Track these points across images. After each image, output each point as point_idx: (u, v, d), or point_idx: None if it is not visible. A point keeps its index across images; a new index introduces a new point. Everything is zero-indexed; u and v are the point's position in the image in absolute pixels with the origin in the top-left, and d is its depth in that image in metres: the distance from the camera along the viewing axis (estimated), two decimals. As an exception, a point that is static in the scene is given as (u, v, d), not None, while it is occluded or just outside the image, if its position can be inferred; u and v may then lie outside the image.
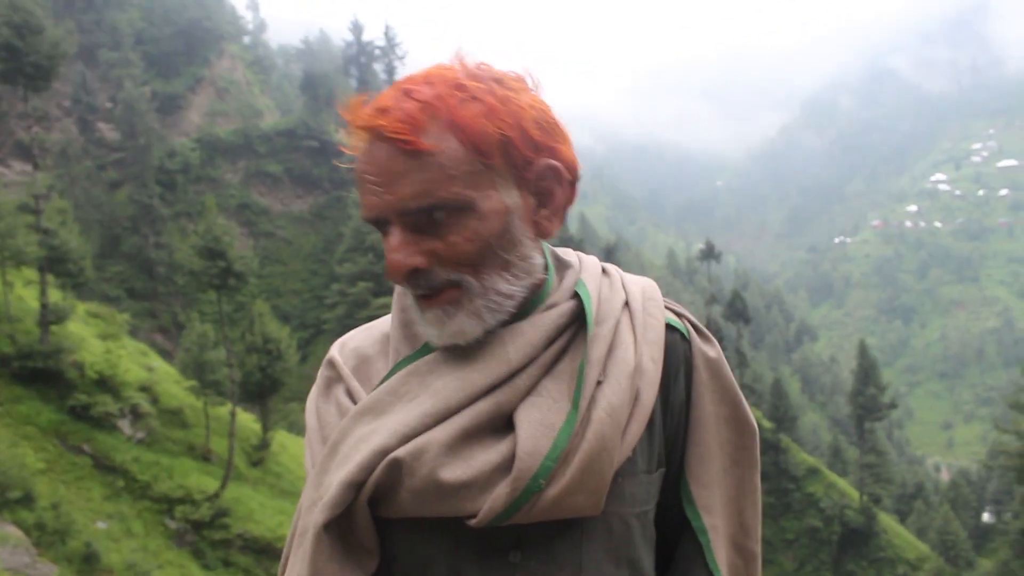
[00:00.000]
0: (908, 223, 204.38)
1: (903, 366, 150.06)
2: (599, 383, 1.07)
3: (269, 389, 29.41)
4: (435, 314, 1.06)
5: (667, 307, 1.21)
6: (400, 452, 1.01)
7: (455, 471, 1.01)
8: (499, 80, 1.06)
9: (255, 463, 28.59)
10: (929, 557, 44.43)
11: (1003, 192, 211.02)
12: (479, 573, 1.05)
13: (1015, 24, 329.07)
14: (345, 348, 1.21)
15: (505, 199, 1.05)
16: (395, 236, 1.03)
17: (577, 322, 1.11)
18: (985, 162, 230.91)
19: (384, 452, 1.01)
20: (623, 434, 1.06)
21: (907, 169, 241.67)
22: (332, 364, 1.19)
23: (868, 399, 49.40)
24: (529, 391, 1.06)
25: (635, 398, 1.09)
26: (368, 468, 1.01)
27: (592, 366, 1.07)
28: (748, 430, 1.20)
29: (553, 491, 1.01)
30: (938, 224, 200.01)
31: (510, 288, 1.06)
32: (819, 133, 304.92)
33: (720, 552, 1.18)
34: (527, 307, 1.10)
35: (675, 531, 1.19)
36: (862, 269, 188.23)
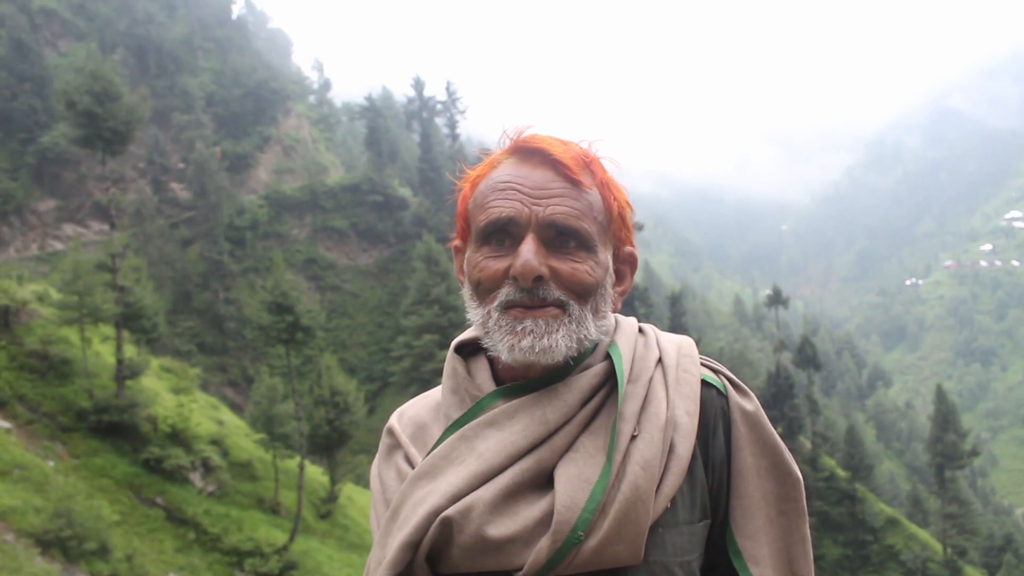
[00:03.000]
0: (983, 262, 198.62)
1: (984, 411, 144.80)
2: (633, 437, 1.14)
3: (337, 442, 29.52)
4: (533, 324, 1.17)
5: (704, 364, 1.28)
6: (450, 511, 1.10)
7: (500, 527, 1.09)
8: (613, 175, 1.26)
9: (323, 516, 28.66)
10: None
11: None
12: None
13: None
14: (403, 417, 1.32)
15: (608, 260, 1.23)
16: (530, 244, 1.17)
17: (611, 381, 1.20)
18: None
19: (436, 513, 1.11)
20: (659, 485, 1.13)
21: (978, 207, 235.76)
22: (392, 432, 1.30)
23: (948, 446, 47.63)
24: (568, 448, 1.15)
25: (670, 451, 1.16)
26: (423, 528, 1.12)
27: (626, 421, 1.15)
28: (791, 480, 1.24)
29: (592, 542, 1.08)
30: (1015, 263, 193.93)
31: (593, 332, 1.19)
32: (884, 174, 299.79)
33: None
34: (564, 369, 1.21)
35: None
36: (936, 311, 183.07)
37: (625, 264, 1.25)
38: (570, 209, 1.16)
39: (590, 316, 1.19)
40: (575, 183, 1.17)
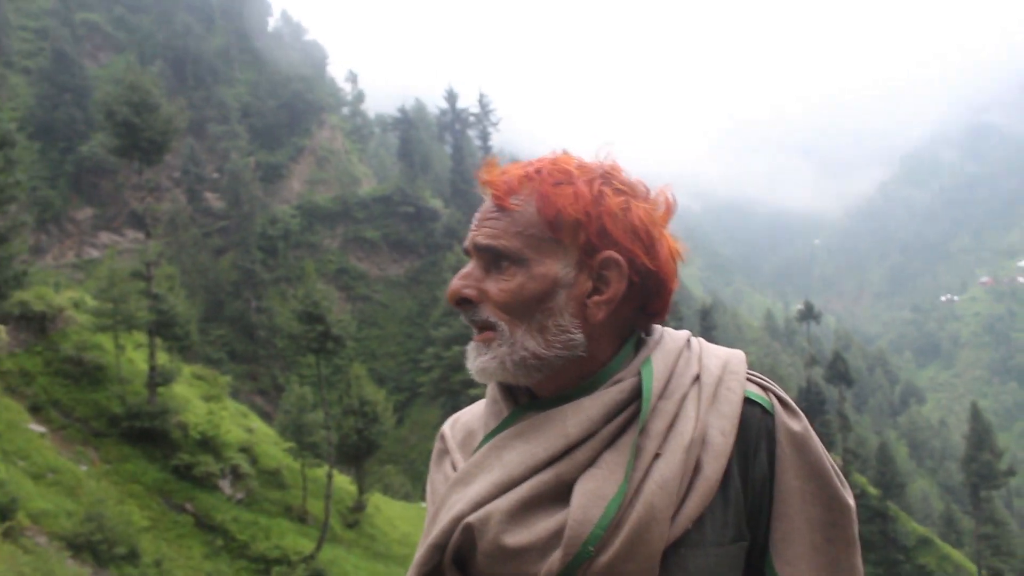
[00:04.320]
0: (1021, 279, 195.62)
1: (1021, 430, 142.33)
2: (657, 456, 1.13)
3: (365, 451, 29.63)
4: (472, 347, 1.22)
5: (753, 379, 1.24)
6: (471, 518, 1.14)
7: (516, 537, 1.11)
8: (607, 179, 1.21)
9: (350, 525, 28.77)
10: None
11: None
12: None
13: None
14: (456, 424, 1.35)
15: (558, 271, 1.18)
16: (467, 267, 1.23)
17: (641, 398, 1.18)
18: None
19: (460, 518, 1.15)
20: (681, 506, 1.12)
21: (1016, 224, 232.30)
22: (443, 438, 1.34)
23: (983, 465, 46.87)
24: (590, 463, 1.14)
25: (696, 470, 1.13)
26: (448, 533, 1.16)
27: (650, 439, 1.14)
28: (840, 507, 1.19)
29: (604, 558, 1.08)
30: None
31: (539, 350, 1.17)
32: (920, 189, 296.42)
33: None
34: (593, 382, 1.20)
35: None
36: (972, 328, 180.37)
37: (609, 269, 1.18)
38: (490, 230, 1.19)
39: (531, 334, 1.17)
40: (499, 206, 1.20)
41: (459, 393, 45.24)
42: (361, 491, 30.08)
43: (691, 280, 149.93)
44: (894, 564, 44.80)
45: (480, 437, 1.26)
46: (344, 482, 31.07)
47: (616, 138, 1.26)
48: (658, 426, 1.14)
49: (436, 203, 68.43)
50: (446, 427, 1.35)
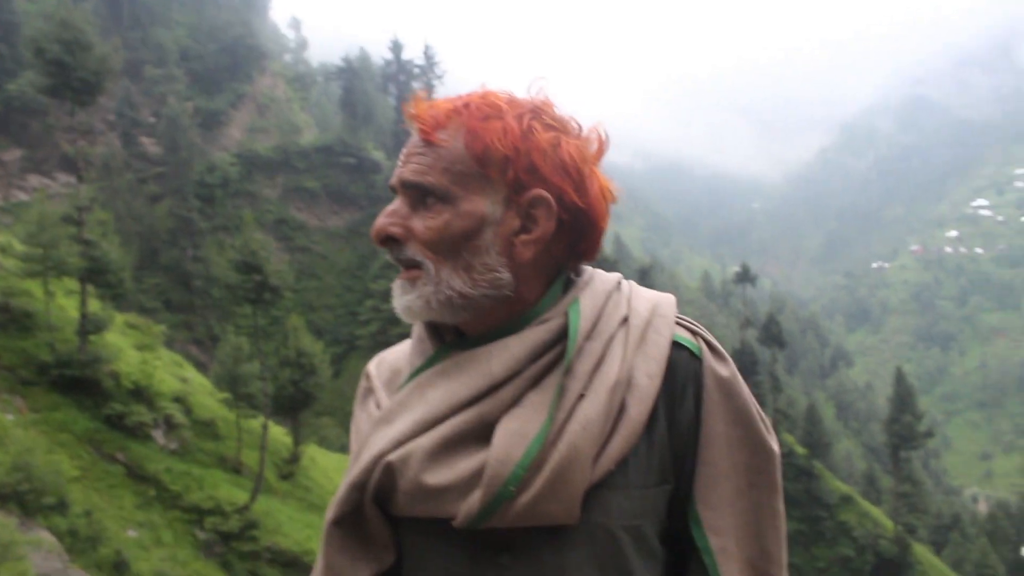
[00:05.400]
0: (948, 249, 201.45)
1: (941, 394, 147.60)
2: (581, 396, 1.11)
3: (301, 403, 29.56)
4: (398, 285, 1.19)
5: (682, 324, 1.23)
6: (391, 457, 1.13)
7: (437, 476, 1.10)
8: (537, 113, 1.17)
9: (285, 476, 28.77)
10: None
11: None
12: (471, 572, 1.13)
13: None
14: (382, 363, 1.32)
15: (486, 208, 1.15)
16: (393, 204, 1.19)
17: (567, 338, 1.16)
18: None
19: (380, 456, 1.14)
20: (604, 447, 1.11)
21: (947, 195, 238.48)
22: (368, 377, 1.31)
23: (904, 427, 48.62)
24: (513, 403, 1.12)
25: (621, 412, 1.12)
26: (368, 471, 1.15)
27: (574, 379, 1.12)
28: (765, 452, 1.19)
29: (525, 498, 1.08)
30: (979, 250, 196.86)
31: (465, 289, 1.14)
32: (857, 157, 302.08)
33: (733, 574, 1.17)
34: (519, 322, 1.18)
35: (687, 551, 1.20)
36: (900, 295, 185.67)
37: (538, 208, 1.15)
38: (417, 166, 1.16)
39: (457, 273, 1.15)
40: (426, 141, 1.16)
41: (397, 347, 45.19)
42: (297, 443, 30.04)
43: (631, 240, 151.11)
44: (817, 521, 46.38)
45: (405, 376, 1.24)
46: (279, 433, 30.99)
47: (558, 91, 1.26)
48: (584, 367, 1.13)
49: (378, 155, 67.66)
50: (371, 366, 1.33)
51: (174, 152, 59.02)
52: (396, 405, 1.18)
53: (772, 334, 51.50)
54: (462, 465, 1.10)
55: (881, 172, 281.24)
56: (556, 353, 1.15)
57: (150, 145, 62.02)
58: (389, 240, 1.18)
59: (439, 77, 76.09)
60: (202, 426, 27.42)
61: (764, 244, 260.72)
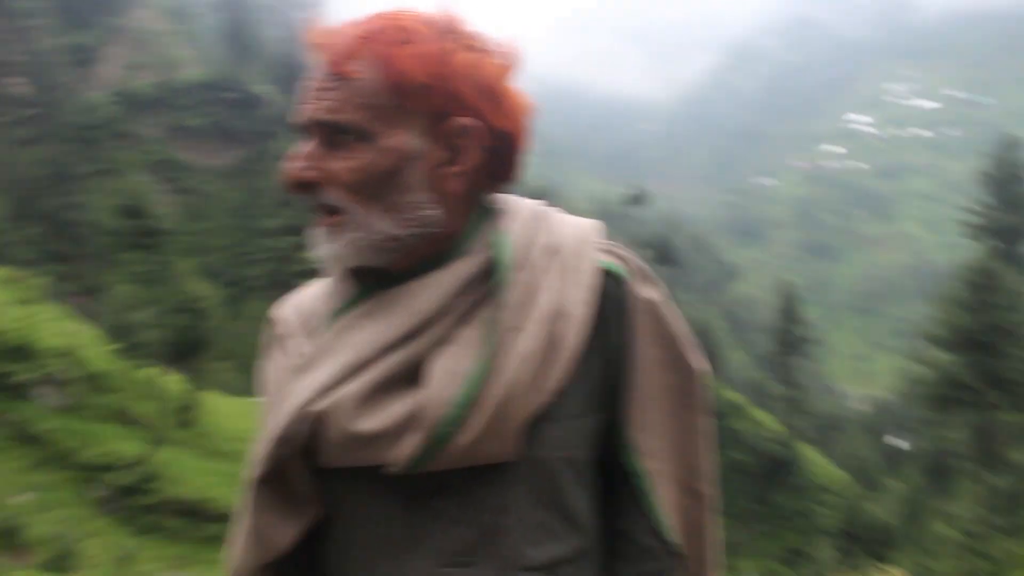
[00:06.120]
0: (830, 164, 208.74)
1: (824, 303, 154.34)
2: (514, 329, 1.08)
3: (196, 349, 29.27)
4: (319, 233, 1.13)
5: (608, 250, 1.22)
6: (319, 405, 1.07)
7: (368, 422, 1.06)
8: (452, 34, 1.10)
9: (183, 425, 28.48)
10: (845, 482, 46.59)
11: (920, 132, 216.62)
12: (406, 519, 1.09)
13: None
14: (289, 306, 1.27)
15: (409, 143, 1.09)
16: (306, 146, 1.11)
17: (495, 270, 1.12)
18: (904, 103, 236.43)
19: (306, 407, 1.08)
20: (541, 380, 1.08)
21: (830, 111, 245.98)
22: (276, 323, 1.26)
23: (790, 335, 51.14)
24: (444, 341, 1.08)
25: (556, 343, 1.09)
26: (293, 422, 1.08)
27: (507, 312, 1.08)
28: (692, 373, 1.21)
29: (464, 438, 1.04)
30: (858, 164, 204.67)
31: (392, 230, 1.10)
32: (744, 76, 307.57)
33: (667, 496, 1.20)
34: (445, 256, 1.13)
35: (620, 477, 1.21)
36: (785, 210, 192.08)
37: (463, 137, 1.10)
38: (329, 103, 1.09)
39: (384, 215, 1.10)
40: (336, 73, 1.09)
41: (293, 285, 44.63)
42: (193, 390, 29.74)
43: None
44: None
45: (323, 319, 1.19)
46: (175, 381, 30.61)
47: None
48: (516, 299, 1.09)
49: (266, 89, 65.81)
50: (277, 311, 1.27)
51: (46, 92, 56.28)
52: (316, 351, 1.13)
53: (665, 254, 53.05)
54: (395, 409, 1.06)
55: (767, 91, 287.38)
56: (485, 287, 1.12)
57: (19, 86, 58.86)
58: (305, 186, 1.11)
59: (328, 7, 74.07)
60: (92, 380, 26.82)
61: (655, 164, 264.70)
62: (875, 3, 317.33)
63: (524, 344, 1.07)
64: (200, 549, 22.66)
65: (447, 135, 1.10)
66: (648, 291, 1.19)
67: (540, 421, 1.08)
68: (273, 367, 1.21)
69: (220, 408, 31.12)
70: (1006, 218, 45.79)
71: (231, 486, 25.53)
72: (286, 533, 1.14)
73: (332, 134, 1.09)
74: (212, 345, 30.96)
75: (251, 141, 63.34)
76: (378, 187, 1.09)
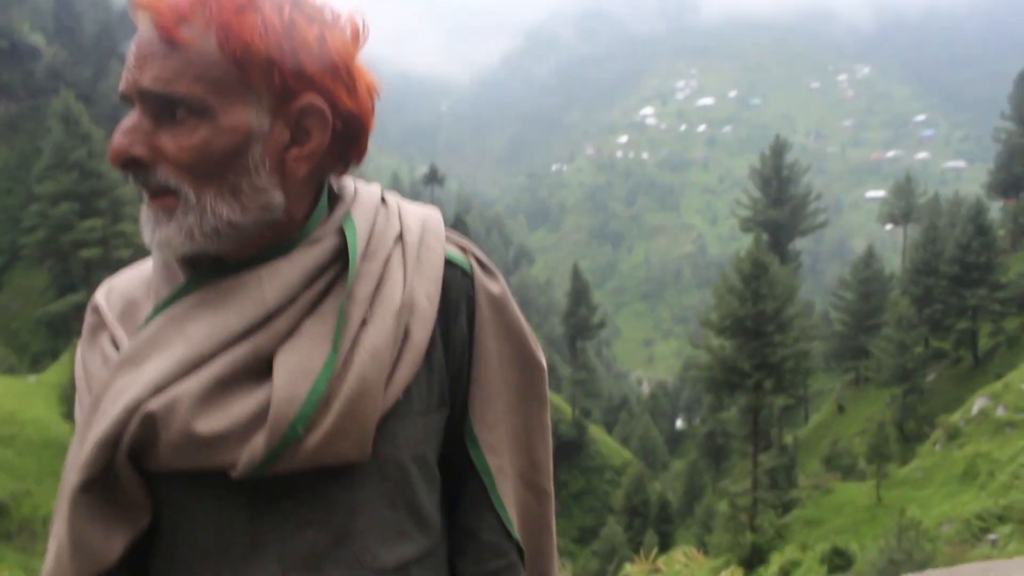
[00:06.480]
0: (619, 153, 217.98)
1: (611, 288, 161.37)
2: (364, 322, 1.03)
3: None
4: (148, 215, 1.01)
5: (451, 241, 1.19)
6: (152, 405, 0.97)
7: (210, 423, 0.97)
8: (298, 5, 1.00)
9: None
10: (632, 462, 48.92)
11: (701, 128, 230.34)
12: (250, 523, 1.02)
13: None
14: (112, 292, 1.14)
15: (251, 121, 0.99)
16: (131, 118, 0.99)
17: (342, 259, 1.06)
18: (687, 99, 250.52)
19: (137, 405, 0.97)
20: (391, 375, 1.04)
21: (619, 103, 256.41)
22: (97, 310, 1.12)
23: (580, 319, 52.83)
24: (290, 333, 1.01)
25: (405, 337, 1.05)
26: (122, 423, 0.98)
27: (356, 305, 1.03)
28: (535, 368, 1.19)
29: (314, 438, 0.98)
30: (645, 155, 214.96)
31: (232, 215, 0.99)
32: (540, 63, 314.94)
33: (508, 491, 1.18)
34: (288, 243, 1.05)
35: (463, 473, 1.18)
36: (576, 196, 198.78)
37: (310, 117, 1.01)
38: (159, 72, 0.95)
39: (222, 198, 0.99)
40: (170, 40, 0.95)
41: (68, 255, 41.51)
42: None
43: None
44: (504, 411, 49.54)
45: (146, 308, 1.08)
46: (-67, 358, 27.66)
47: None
48: (364, 290, 1.04)
49: (37, 39, 60.29)
50: (99, 297, 1.13)
51: None
52: (144, 344, 1.01)
53: (460, 234, 53.31)
54: (238, 408, 0.98)
55: (561, 78, 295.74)
56: (331, 276, 1.05)
57: None
58: (132, 163, 0.99)
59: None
60: None
61: (452, 145, 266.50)
62: (661, 2, 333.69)
63: (373, 338, 1.02)
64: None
65: (293, 115, 1.00)
66: (492, 284, 1.16)
67: (389, 418, 1.04)
68: (92, 360, 1.08)
69: (-11, 389, 28.46)
70: (775, 214, 49.50)
71: (2, 473, 23.42)
72: (113, 545, 1.02)
73: (163, 107, 0.97)
74: (-23, 318, 28.17)
75: (21, 96, 58.02)
76: (216, 168, 0.98)
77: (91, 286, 40.46)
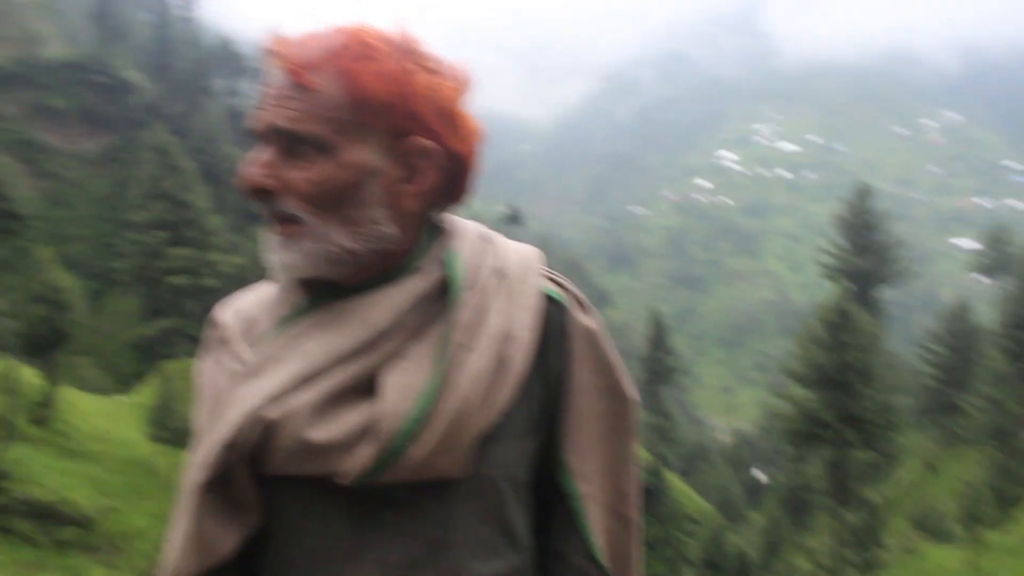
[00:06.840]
0: (699, 197, 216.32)
1: (690, 332, 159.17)
2: (465, 348, 1.10)
3: (54, 342, 27.59)
4: (274, 241, 1.13)
5: (549, 277, 1.24)
6: (270, 413, 1.07)
7: (321, 432, 1.06)
8: (412, 55, 1.12)
9: (38, 421, 26.59)
10: (709, 512, 47.74)
11: (782, 173, 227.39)
12: (351, 530, 1.10)
13: (788, 19, 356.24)
14: (231, 310, 1.24)
15: (368, 159, 1.10)
16: (263, 153, 1.11)
17: (445, 289, 1.15)
18: (768, 144, 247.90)
19: (255, 412, 1.08)
20: (489, 399, 1.10)
21: (699, 146, 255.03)
22: (219, 326, 1.23)
23: (658, 364, 52.16)
24: (396, 355, 1.10)
25: (504, 364, 1.12)
26: (241, 429, 1.08)
27: (458, 331, 1.10)
28: (625, 399, 1.24)
29: (417, 453, 1.06)
30: (725, 199, 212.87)
31: (350, 244, 1.11)
32: (620, 105, 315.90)
33: (597, 518, 1.22)
34: (395, 272, 1.15)
35: (553, 498, 1.23)
36: (656, 239, 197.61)
37: (421, 157, 1.12)
38: (291, 112, 1.08)
39: (341, 228, 1.10)
40: (298, 83, 1.08)
41: (160, 281, 42.70)
42: (51, 385, 27.87)
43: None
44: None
45: (264, 325, 1.19)
46: (30, 375, 28.59)
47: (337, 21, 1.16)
48: (466, 318, 1.11)
49: (134, 75, 62.78)
50: (222, 314, 1.24)
51: None
52: (265, 358, 1.13)
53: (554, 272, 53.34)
54: (348, 420, 1.07)
55: (641, 121, 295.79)
56: (435, 304, 1.14)
57: None
58: (262, 193, 1.11)
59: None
60: (-60, 372, 24.75)
61: (532, 185, 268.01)
62: (742, 47, 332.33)
63: (475, 363, 1.09)
64: (53, 554, 21.23)
65: (405, 154, 1.12)
66: (587, 319, 1.23)
67: (486, 439, 1.11)
68: (212, 371, 1.20)
69: (80, 406, 29.28)
70: (859, 262, 48.23)
71: (90, 488, 23.97)
72: (228, 540, 1.13)
73: (291, 144, 1.09)
74: (72, 339, 29.06)
75: (119, 128, 60.36)
76: (336, 200, 1.10)
77: (179, 312, 41.56)
